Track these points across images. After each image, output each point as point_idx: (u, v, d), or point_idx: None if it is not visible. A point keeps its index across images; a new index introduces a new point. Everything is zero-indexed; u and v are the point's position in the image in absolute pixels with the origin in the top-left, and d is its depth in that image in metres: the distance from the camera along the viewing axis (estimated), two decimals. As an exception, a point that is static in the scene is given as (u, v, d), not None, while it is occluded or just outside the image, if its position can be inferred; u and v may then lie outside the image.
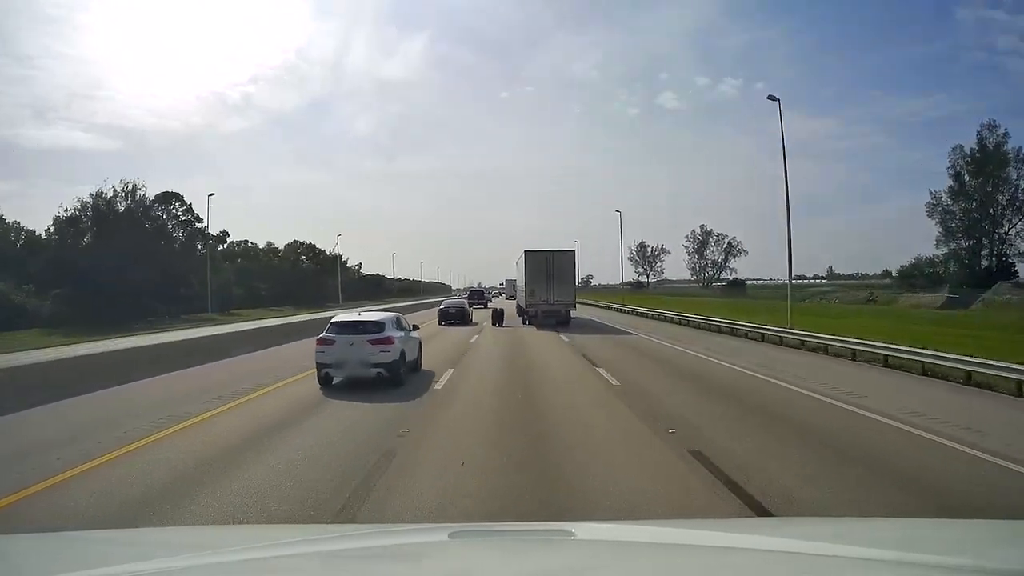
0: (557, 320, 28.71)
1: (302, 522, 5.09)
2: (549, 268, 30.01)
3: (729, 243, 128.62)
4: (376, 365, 11.71)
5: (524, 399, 10.71)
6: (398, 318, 13.29)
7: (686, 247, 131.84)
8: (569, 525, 2.63)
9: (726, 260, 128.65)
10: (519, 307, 32.98)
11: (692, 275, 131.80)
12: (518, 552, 2.07)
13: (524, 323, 29.95)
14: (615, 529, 2.92)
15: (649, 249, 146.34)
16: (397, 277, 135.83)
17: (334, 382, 11.83)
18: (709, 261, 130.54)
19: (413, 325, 14.48)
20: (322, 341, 12.03)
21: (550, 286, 29.78)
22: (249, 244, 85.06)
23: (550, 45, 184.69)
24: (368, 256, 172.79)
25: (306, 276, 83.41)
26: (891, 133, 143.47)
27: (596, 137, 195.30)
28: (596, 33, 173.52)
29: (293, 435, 7.97)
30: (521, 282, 31.98)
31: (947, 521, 4.04)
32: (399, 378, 11.91)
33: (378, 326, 12.20)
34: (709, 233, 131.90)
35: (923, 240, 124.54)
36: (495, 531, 2.81)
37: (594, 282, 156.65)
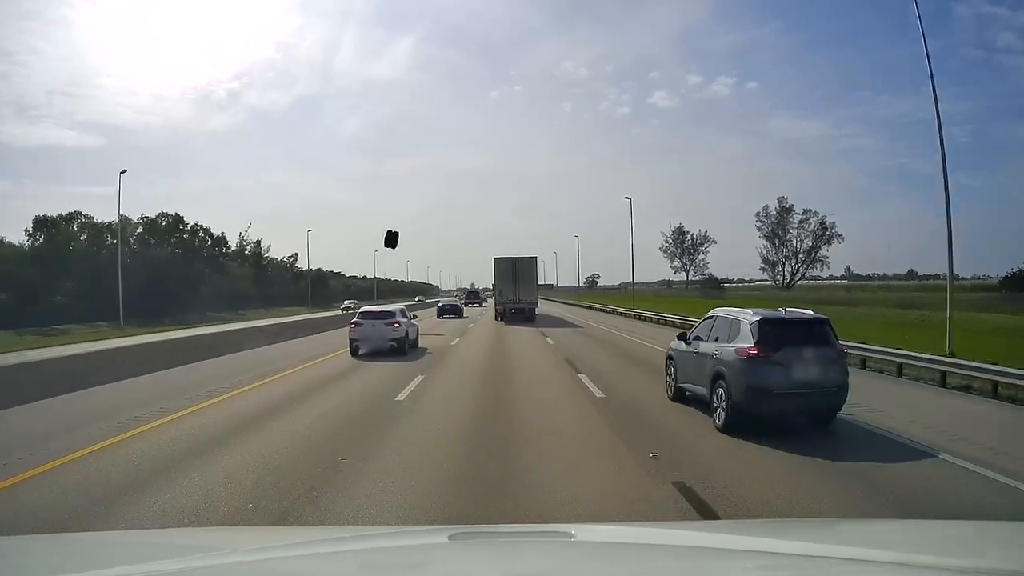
0: (524, 316, 35.65)
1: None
2: (515, 272, 36.32)
3: (822, 223, 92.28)
4: (390, 339, 19.16)
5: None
6: (403, 310, 21.59)
7: (759, 227, 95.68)
8: (569, 527, 2.87)
9: (816, 247, 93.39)
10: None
11: (764, 268, 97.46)
12: (518, 554, 2.19)
13: (495, 319, 37.06)
14: (614, 531, 3.09)
15: (689, 237, 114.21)
16: (361, 275, 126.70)
17: (360, 352, 19.23)
18: (792, 250, 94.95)
19: (413, 315, 22.69)
20: (354, 324, 19.57)
21: (516, 288, 36.21)
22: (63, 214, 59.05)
23: (548, 44, 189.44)
24: (349, 257, 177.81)
25: (170, 270, 59.12)
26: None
27: (593, 135, 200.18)
28: (591, 32, 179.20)
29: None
30: (492, 284, 39.80)
31: (947, 522, 4.18)
32: (405, 349, 19.59)
33: (391, 314, 20.14)
34: (789, 210, 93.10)
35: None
36: (495, 532, 3.12)
37: (602, 282, 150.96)
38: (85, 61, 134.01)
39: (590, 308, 57.59)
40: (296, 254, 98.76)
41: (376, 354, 19.16)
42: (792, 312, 9.57)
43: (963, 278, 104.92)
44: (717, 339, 9.67)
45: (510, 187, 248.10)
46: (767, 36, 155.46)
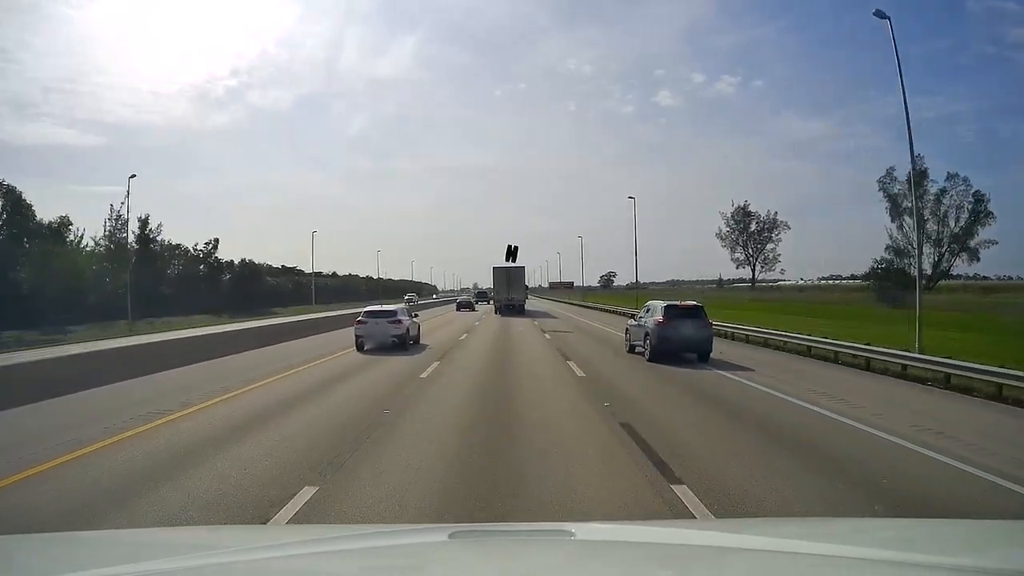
0: (515, 310, 51.02)
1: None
2: (508, 278, 52.71)
3: (975, 195, 65.86)
4: (392, 336, 22.98)
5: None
6: (405, 309, 26.16)
7: (882, 185, 67.03)
8: (569, 525, 2.99)
9: (971, 228, 65.99)
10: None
11: (893, 252, 66.79)
12: (518, 553, 2.30)
13: (494, 312, 52.49)
14: (615, 529, 3.29)
15: (754, 221, 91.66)
16: (329, 272, 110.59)
17: (365, 348, 22.27)
18: (937, 233, 66.81)
19: (414, 314, 26.55)
20: (359, 322, 23.01)
21: (509, 289, 52.32)
22: None
23: (551, 41, 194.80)
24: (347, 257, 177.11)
25: None
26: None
27: (598, 133, 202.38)
28: (594, 30, 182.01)
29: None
30: (492, 286, 58.47)
31: (947, 521, 4.55)
32: (405, 344, 23.05)
33: (393, 313, 23.70)
34: (924, 174, 64.42)
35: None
36: (495, 531, 3.23)
37: (619, 282, 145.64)
38: (83, 58, 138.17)
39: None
40: (214, 240, 72.66)
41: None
42: (684, 302, 19.26)
43: (985, 277, 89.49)
44: (650, 317, 18.82)
45: (513, 185, 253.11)
46: (771, 34, 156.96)
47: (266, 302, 71.10)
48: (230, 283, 72.42)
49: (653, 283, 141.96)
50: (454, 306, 64.91)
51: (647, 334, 18.21)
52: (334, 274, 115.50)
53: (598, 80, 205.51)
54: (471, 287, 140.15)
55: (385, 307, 25.18)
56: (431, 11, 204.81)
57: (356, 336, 22.79)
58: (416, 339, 24.54)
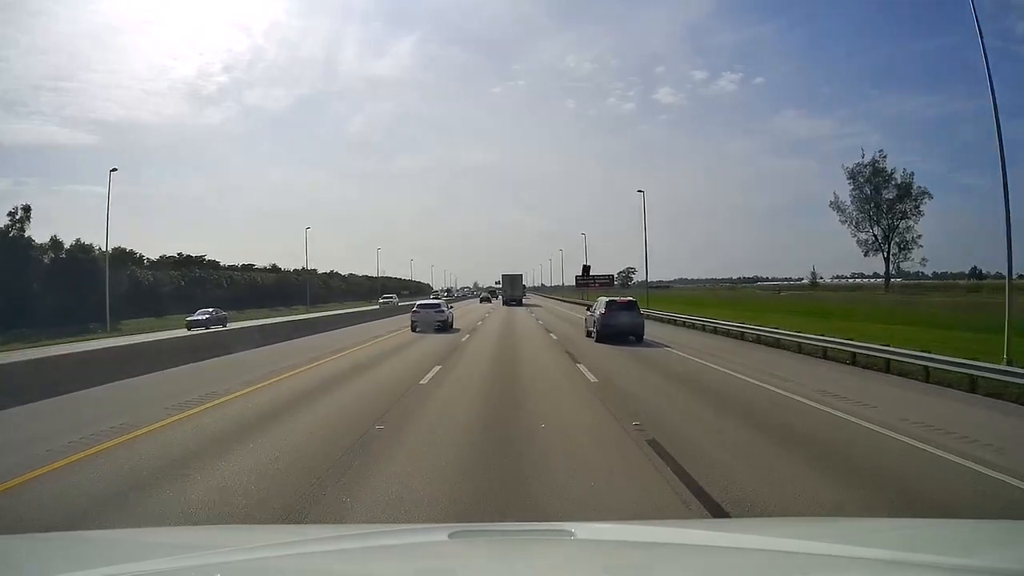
0: (516, 303, 75.75)
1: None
2: (511, 280, 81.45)
3: None
4: (437, 322, 32.02)
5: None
6: (446, 301, 33.18)
7: None
8: (569, 525, 3.06)
9: None
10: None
11: None
12: (517, 552, 2.38)
13: (503, 304, 77.38)
14: (615, 529, 3.40)
15: (892, 185, 64.79)
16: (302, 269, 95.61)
17: (417, 330, 32.15)
18: None
19: (451, 305, 34.47)
20: (415, 311, 32.69)
21: (512, 289, 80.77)
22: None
23: (550, 39, 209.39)
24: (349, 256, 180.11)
25: None
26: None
27: (598, 131, 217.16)
28: (594, 27, 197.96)
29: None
30: (500, 286, 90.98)
31: (947, 521, 4.70)
32: (447, 328, 33.63)
33: (438, 305, 35.24)
34: None
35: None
36: (494, 531, 3.35)
37: (640, 278, 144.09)
38: (76, 57, 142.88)
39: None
40: (22, 209, 50.40)
41: None
42: (621, 298, 26.66)
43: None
44: (597, 309, 26.10)
45: (512, 183, 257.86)
46: (771, 32, 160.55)
47: (135, 307, 48.72)
48: (47, 277, 48.30)
49: (675, 279, 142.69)
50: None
51: (595, 321, 24.93)
52: (274, 267, 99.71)
53: (598, 76, 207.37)
54: (472, 285, 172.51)
55: (431, 300, 34.94)
56: (431, 11, 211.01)
57: (412, 321, 33.33)
58: (451, 325, 34.47)
